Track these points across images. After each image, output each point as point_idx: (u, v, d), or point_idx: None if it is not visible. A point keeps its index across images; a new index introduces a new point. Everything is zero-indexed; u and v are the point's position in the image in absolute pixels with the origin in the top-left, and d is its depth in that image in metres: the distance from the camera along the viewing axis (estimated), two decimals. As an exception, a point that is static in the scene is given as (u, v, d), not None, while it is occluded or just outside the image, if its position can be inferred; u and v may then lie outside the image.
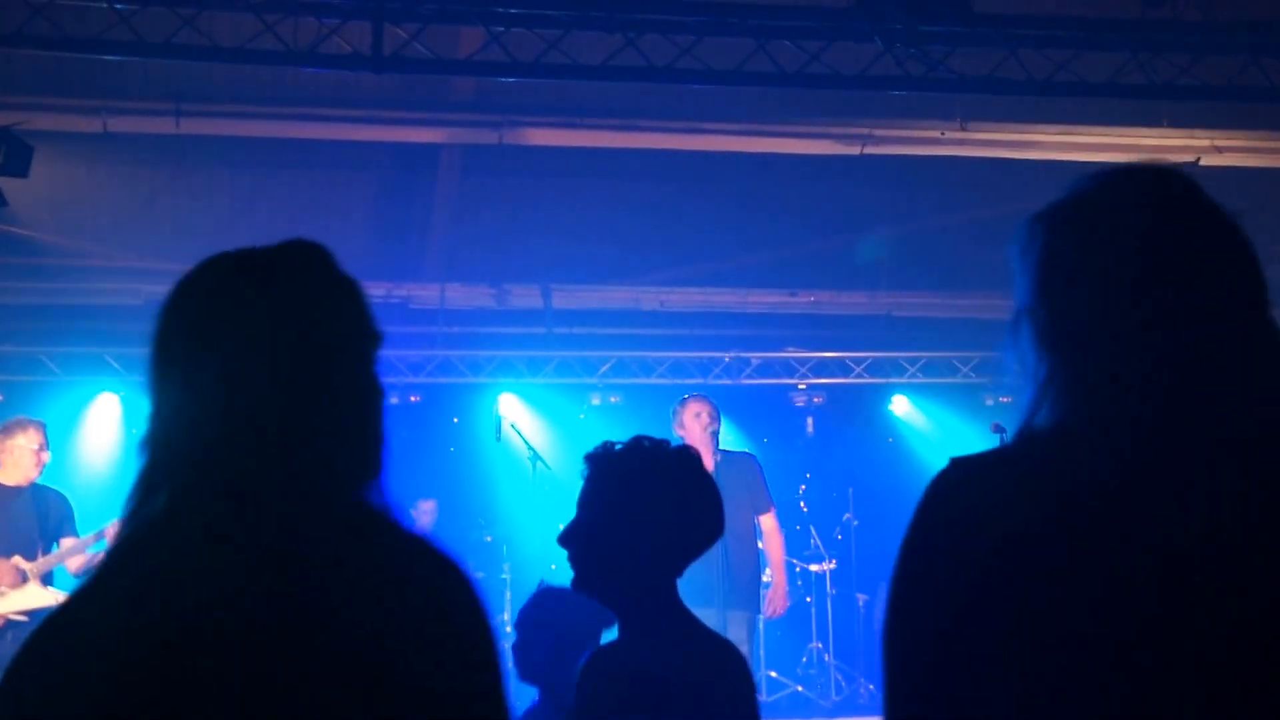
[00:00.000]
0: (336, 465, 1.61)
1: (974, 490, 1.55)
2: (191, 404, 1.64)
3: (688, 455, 2.73)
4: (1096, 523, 1.47)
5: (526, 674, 3.43)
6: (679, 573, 2.65)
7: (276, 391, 1.58)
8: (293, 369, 1.60)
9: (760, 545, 7.28)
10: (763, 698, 5.28)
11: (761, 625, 8.08)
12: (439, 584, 1.57)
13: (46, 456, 7.24)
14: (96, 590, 1.61)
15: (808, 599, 9.94)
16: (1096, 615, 1.45)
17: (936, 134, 7.97)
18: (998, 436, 7.39)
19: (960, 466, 1.58)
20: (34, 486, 7.21)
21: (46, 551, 7.13)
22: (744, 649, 6.06)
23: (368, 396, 1.68)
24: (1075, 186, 1.65)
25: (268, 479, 1.55)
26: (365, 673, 1.45)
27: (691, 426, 7.44)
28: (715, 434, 7.31)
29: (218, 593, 1.48)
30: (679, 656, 2.54)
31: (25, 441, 7.16)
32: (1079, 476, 1.50)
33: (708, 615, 6.71)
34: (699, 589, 7.19)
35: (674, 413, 7.66)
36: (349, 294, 1.67)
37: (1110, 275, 1.55)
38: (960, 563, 1.51)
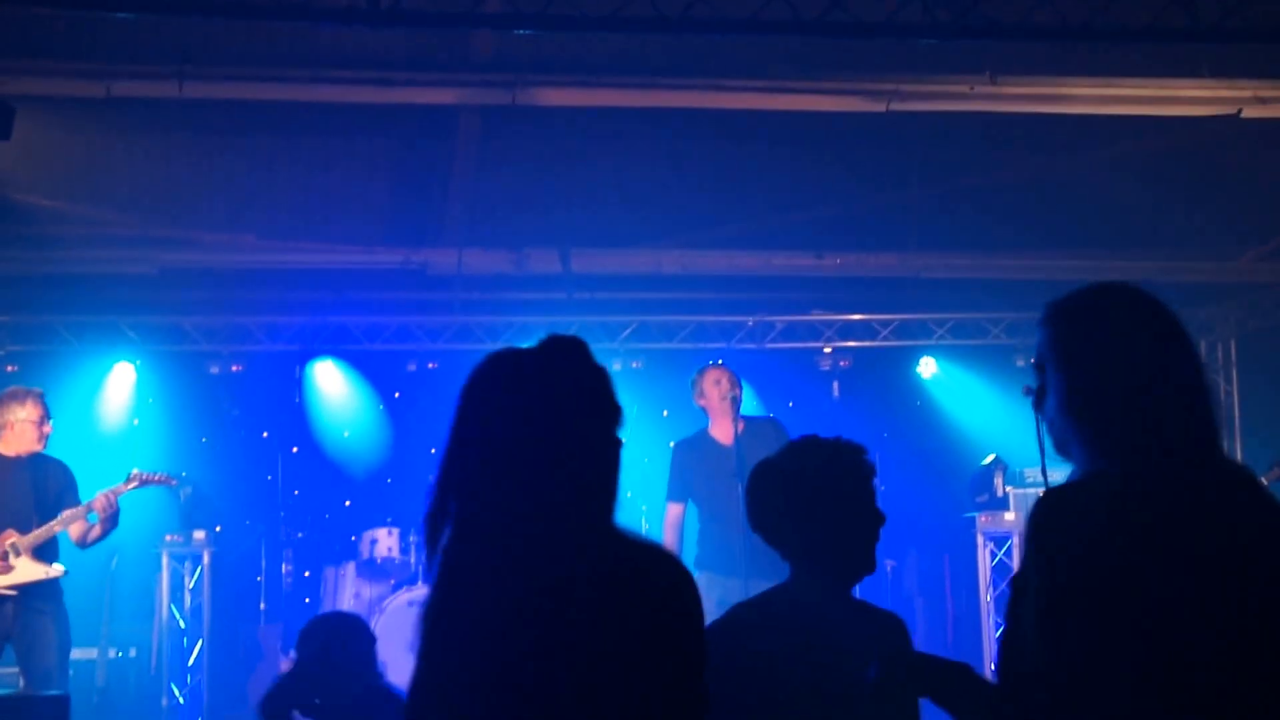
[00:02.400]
0: (593, 502, 2.24)
1: (1076, 518, 2.20)
2: (472, 455, 2.23)
3: None
4: (1168, 546, 2.15)
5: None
6: None
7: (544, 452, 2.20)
8: (562, 435, 2.21)
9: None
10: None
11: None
12: (675, 579, 2.20)
13: (49, 428, 7.16)
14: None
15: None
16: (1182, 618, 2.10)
17: (966, 89, 7.70)
18: (1029, 399, 7.15)
19: (1057, 495, 2.25)
20: (34, 457, 7.13)
21: (43, 523, 7.03)
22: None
23: (612, 455, 2.28)
24: (1089, 299, 2.38)
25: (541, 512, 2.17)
26: (628, 641, 2.08)
27: (711, 394, 7.28)
28: (735, 401, 7.16)
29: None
30: None
31: (25, 414, 7.07)
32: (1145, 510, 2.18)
33: (731, 585, 6.58)
34: (722, 559, 7.04)
35: (693, 383, 7.51)
36: (602, 379, 2.29)
37: (1126, 372, 2.29)
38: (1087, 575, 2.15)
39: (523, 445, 2.17)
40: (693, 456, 7.43)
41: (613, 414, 2.27)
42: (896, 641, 2.96)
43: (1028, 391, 8.31)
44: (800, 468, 2.99)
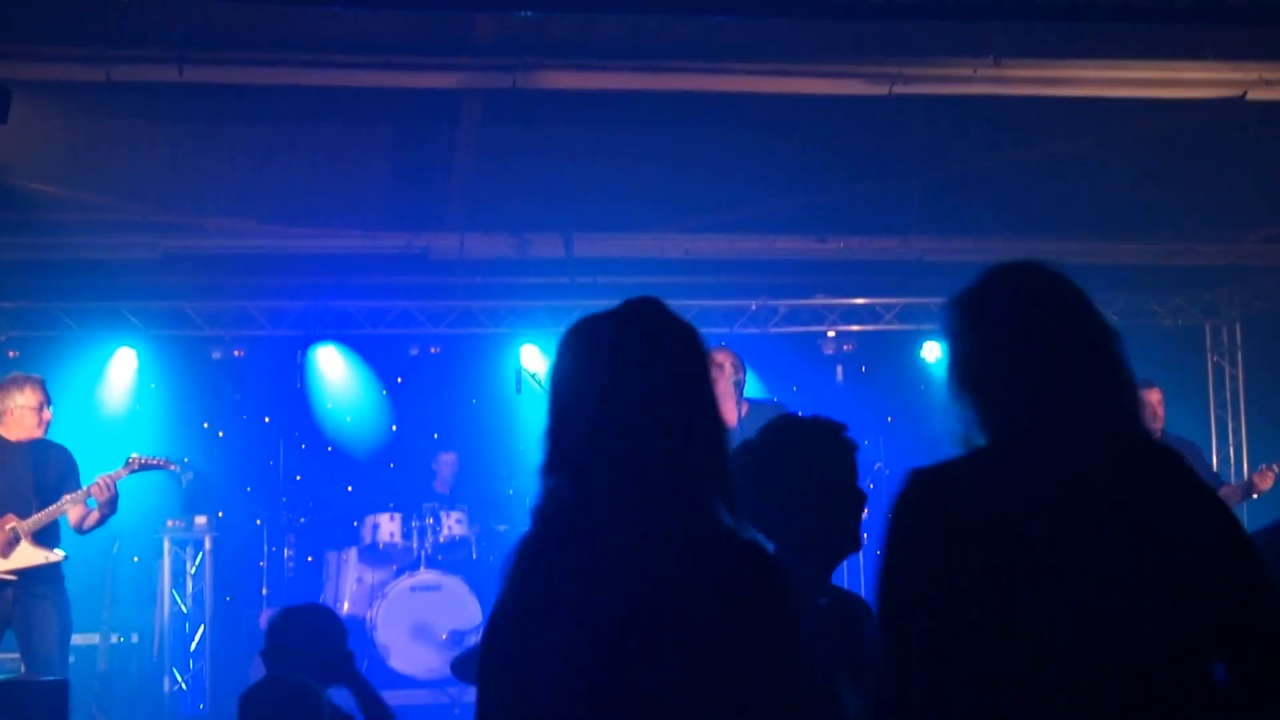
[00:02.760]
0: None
1: (940, 495, 2.19)
2: (578, 405, 2.10)
3: None
4: (1037, 521, 2.13)
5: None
6: None
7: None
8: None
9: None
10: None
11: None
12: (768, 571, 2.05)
13: (49, 414, 7.14)
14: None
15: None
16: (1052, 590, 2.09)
17: (969, 71, 7.66)
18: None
19: (921, 475, 2.22)
20: (35, 442, 7.11)
21: (44, 508, 7.02)
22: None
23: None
24: (980, 280, 2.33)
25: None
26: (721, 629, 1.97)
27: (715, 377, 7.25)
28: (739, 385, 7.13)
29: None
30: None
31: (25, 400, 7.05)
32: (1017, 486, 2.17)
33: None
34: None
35: (696, 365, 7.46)
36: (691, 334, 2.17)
37: (1018, 350, 2.25)
38: (942, 555, 2.13)
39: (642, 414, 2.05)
40: None
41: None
42: (860, 628, 2.87)
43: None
44: (777, 447, 2.94)
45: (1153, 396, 7.74)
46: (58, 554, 7.01)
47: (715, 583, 1.98)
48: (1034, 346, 2.23)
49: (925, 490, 2.20)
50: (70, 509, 7.07)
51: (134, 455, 7.50)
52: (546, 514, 2.08)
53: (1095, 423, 2.19)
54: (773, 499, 2.88)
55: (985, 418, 2.24)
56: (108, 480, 7.09)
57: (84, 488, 7.10)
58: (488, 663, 2.07)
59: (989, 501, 2.14)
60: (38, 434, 7.12)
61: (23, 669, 6.93)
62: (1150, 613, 2.08)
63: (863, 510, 2.98)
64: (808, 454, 2.92)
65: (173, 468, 7.86)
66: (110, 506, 7.10)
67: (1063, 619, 2.07)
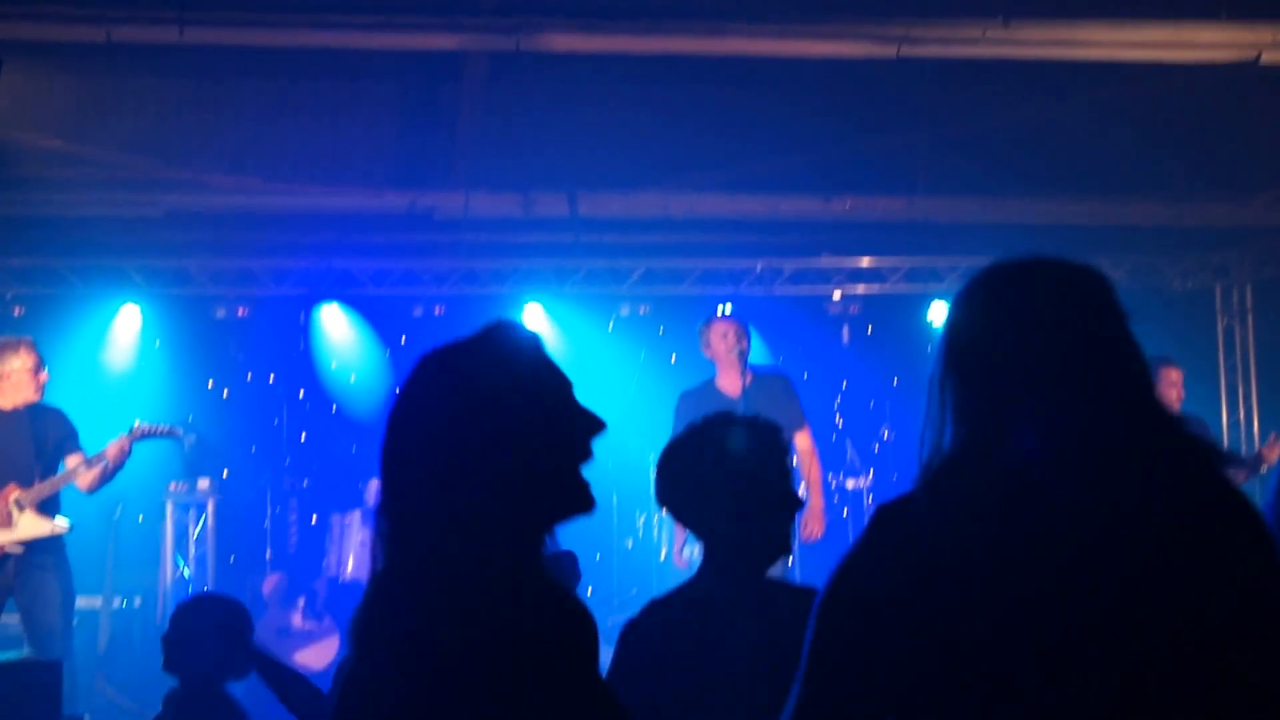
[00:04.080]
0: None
1: (903, 530, 1.87)
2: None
3: None
4: (1010, 556, 1.79)
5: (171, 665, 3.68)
6: None
7: None
8: None
9: (795, 464, 7.08)
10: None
11: (796, 548, 7.90)
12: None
13: (45, 375, 7.04)
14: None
15: (844, 513, 9.76)
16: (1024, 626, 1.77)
17: (978, 33, 7.54)
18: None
19: (888, 509, 1.90)
20: (31, 407, 7.00)
21: (46, 474, 6.97)
22: (778, 573, 5.88)
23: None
24: (988, 272, 2.01)
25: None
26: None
27: (718, 347, 7.23)
28: (743, 354, 7.11)
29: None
30: None
31: (20, 363, 6.94)
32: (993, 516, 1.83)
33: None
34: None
35: (699, 333, 7.44)
36: None
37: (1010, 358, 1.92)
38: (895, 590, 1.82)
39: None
40: (698, 408, 7.33)
41: None
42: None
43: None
44: (707, 448, 2.87)
45: (1174, 375, 7.69)
46: (63, 524, 6.94)
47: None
48: (1061, 335, 1.90)
49: (893, 533, 1.89)
50: (80, 477, 7.02)
51: (138, 422, 7.40)
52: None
53: (1127, 440, 1.85)
54: (703, 500, 2.84)
55: (981, 412, 1.90)
56: (122, 443, 7.07)
57: (94, 455, 7.03)
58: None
59: (973, 547, 1.81)
60: (34, 398, 7.01)
61: (25, 638, 6.94)
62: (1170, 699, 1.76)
63: (794, 514, 2.92)
64: (739, 457, 2.83)
65: (177, 433, 7.81)
66: (119, 467, 7.06)
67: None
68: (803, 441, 7.24)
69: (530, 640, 1.84)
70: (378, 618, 1.91)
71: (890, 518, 1.89)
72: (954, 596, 1.79)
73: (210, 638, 3.79)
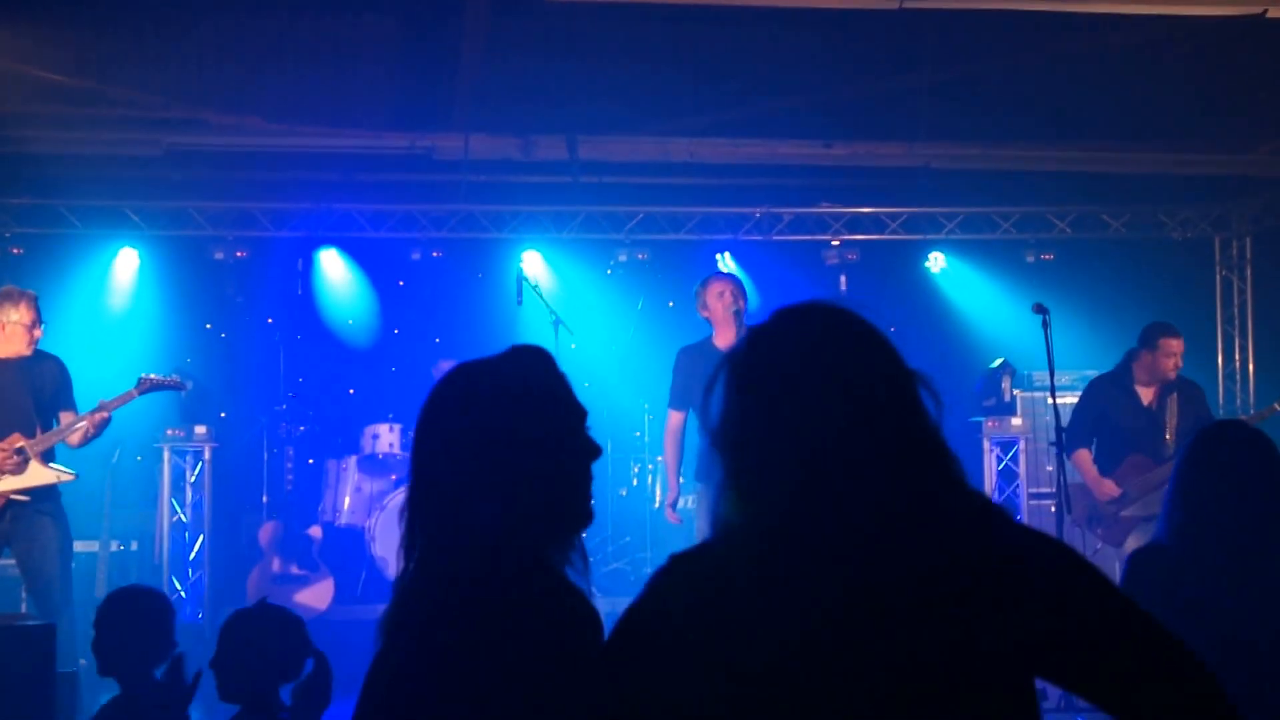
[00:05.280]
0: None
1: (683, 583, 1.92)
2: None
3: None
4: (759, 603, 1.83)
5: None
6: None
7: None
8: None
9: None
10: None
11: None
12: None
13: (39, 332, 7.01)
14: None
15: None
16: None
17: (982, -15, 7.50)
18: (1039, 317, 7.09)
19: (677, 562, 1.96)
20: (27, 358, 6.98)
21: (46, 422, 6.99)
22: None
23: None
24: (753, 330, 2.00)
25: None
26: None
27: (715, 306, 7.21)
28: (739, 313, 7.09)
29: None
30: None
31: (18, 317, 6.92)
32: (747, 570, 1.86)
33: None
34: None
35: (696, 294, 7.42)
36: None
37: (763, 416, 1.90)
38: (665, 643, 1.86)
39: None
40: (696, 365, 7.21)
41: None
42: None
43: (1038, 309, 8.19)
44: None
45: (1174, 345, 7.68)
46: (69, 473, 6.94)
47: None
48: (799, 401, 1.87)
49: (676, 580, 1.94)
50: (73, 434, 6.98)
51: (144, 375, 7.41)
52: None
53: (877, 499, 1.83)
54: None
55: (742, 488, 1.90)
56: (128, 397, 7.12)
57: (88, 412, 7.02)
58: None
59: (739, 602, 1.84)
60: (26, 352, 6.96)
61: (23, 589, 6.97)
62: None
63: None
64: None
65: (186, 386, 7.74)
66: (104, 427, 7.09)
67: None
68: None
69: (539, 638, 2.06)
70: (406, 613, 2.16)
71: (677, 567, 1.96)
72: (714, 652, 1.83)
73: (136, 631, 3.87)
